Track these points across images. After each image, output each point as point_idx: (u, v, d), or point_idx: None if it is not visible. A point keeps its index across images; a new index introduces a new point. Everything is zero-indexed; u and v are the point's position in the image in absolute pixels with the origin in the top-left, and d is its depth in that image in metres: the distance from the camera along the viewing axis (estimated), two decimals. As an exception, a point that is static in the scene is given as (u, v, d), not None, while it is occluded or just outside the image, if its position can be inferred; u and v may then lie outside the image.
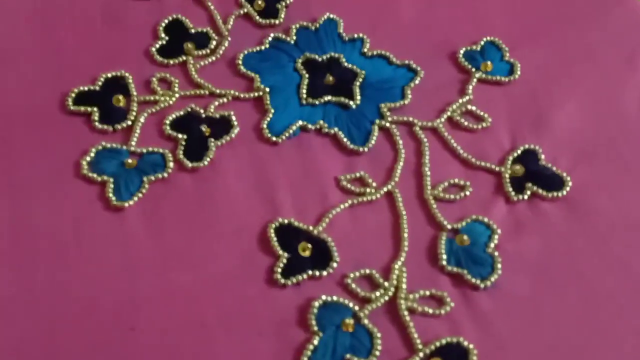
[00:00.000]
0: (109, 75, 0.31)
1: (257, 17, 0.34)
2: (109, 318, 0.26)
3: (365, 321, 0.26)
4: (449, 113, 0.32)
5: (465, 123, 0.32)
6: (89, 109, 0.30)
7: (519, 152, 0.31)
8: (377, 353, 0.25)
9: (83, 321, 0.26)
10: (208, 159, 0.29)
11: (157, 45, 0.33)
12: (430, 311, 0.26)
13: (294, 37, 0.34)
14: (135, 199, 0.28)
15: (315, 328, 0.26)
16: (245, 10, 0.34)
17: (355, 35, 0.34)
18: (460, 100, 0.32)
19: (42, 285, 0.26)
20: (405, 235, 0.28)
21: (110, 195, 0.28)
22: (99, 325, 0.25)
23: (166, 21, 0.33)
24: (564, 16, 0.35)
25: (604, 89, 0.33)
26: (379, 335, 0.26)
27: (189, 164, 0.29)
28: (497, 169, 0.30)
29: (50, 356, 0.25)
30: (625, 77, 0.33)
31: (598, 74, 0.33)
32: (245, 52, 0.33)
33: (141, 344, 0.25)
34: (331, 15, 0.34)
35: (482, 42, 0.34)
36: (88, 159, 0.29)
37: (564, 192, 0.29)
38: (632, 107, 0.32)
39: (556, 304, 0.27)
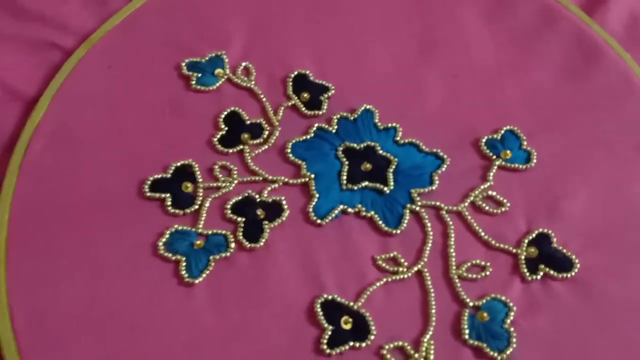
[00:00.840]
0: (179, 164, 0.37)
1: (303, 109, 0.40)
2: (183, 382, 0.31)
3: (399, 388, 0.31)
4: (471, 198, 0.37)
5: (486, 207, 0.36)
6: (163, 195, 0.36)
7: (534, 235, 0.36)
8: (409, 417, 0.30)
9: (161, 385, 0.31)
10: (263, 240, 0.35)
11: (218, 136, 0.38)
12: (455, 380, 0.31)
13: (335, 127, 0.39)
14: (204, 275, 0.34)
15: (356, 393, 0.31)
16: (293, 102, 0.40)
17: (389, 125, 0.39)
18: (482, 187, 0.37)
19: (122, 352, 0.32)
20: (433, 311, 0.33)
21: (183, 272, 0.34)
22: (175, 388, 0.31)
23: (225, 113, 0.39)
24: (579, 106, 0.40)
25: (614, 177, 0.38)
26: (410, 401, 0.31)
27: (247, 245, 0.35)
28: (514, 250, 0.35)
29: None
30: (635, 165, 0.38)
31: (609, 162, 0.38)
32: (293, 141, 0.39)
33: (210, 406, 0.31)
34: (368, 106, 0.40)
35: (502, 131, 0.39)
36: (164, 239, 0.35)
37: (573, 273, 0.34)
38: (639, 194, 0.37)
39: (564, 377, 0.31)
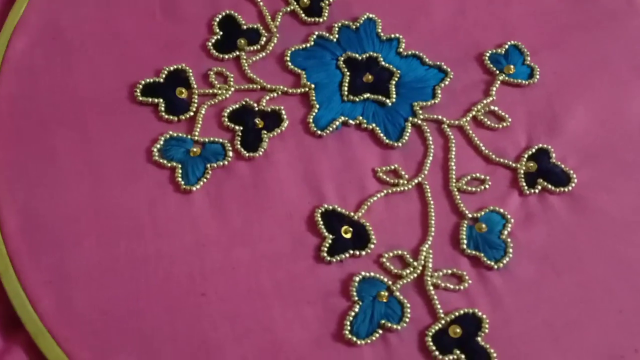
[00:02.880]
0: (172, 68, 0.37)
1: (303, 15, 0.39)
2: (183, 285, 0.32)
3: (397, 293, 0.33)
4: (473, 112, 0.38)
5: (488, 122, 0.38)
6: (156, 100, 0.36)
7: (533, 150, 0.37)
8: (407, 320, 0.32)
9: (161, 288, 0.32)
10: (262, 150, 0.36)
11: (213, 40, 0.38)
12: (451, 287, 0.33)
13: (337, 36, 0.39)
14: (201, 183, 0.35)
15: (356, 298, 0.33)
16: (292, 7, 0.40)
17: (392, 35, 0.40)
18: (484, 101, 0.38)
19: (124, 257, 0.33)
20: (432, 222, 0.35)
21: (180, 179, 0.34)
22: (175, 291, 0.32)
23: (220, 16, 0.39)
24: (581, 24, 0.41)
25: (612, 96, 0.39)
26: (408, 305, 0.33)
27: (246, 154, 0.35)
28: (514, 165, 0.37)
29: (132, 317, 0.32)
30: (633, 86, 0.39)
31: (608, 82, 0.39)
32: (293, 49, 0.39)
33: (211, 307, 0.32)
34: (370, 15, 0.40)
35: (507, 46, 0.40)
36: (158, 146, 0.35)
37: (570, 188, 0.36)
38: (637, 114, 0.38)
39: (555, 286, 0.34)
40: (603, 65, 0.40)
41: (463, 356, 0.32)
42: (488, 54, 0.40)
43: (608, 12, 0.42)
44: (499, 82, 0.39)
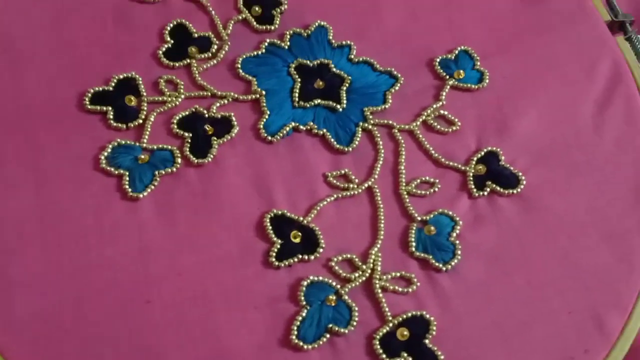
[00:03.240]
0: (121, 76, 0.37)
1: (255, 23, 0.40)
2: (128, 292, 0.32)
3: (346, 297, 0.33)
4: (424, 117, 0.38)
5: (438, 126, 0.38)
6: (104, 108, 0.36)
7: (483, 153, 0.38)
8: (355, 323, 0.32)
9: (105, 295, 0.32)
10: (211, 156, 0.36)
11: (164, 49, 0.38)
12: (400, 289, 0.34)
13: (288, 43, 0.40)
14: (149, 190, 0.35)
15: (304, 302, 0.33)
16: (244, 15, 0.40)
17: (343, 42, 0.40)
18: (434, 106, 0.39)
19: (68, 264, 0.33)
20: (382, 225, 0.35)
21: (127, 187, 0.35)
22: (120, 298, 0.32)
23: (171, 25, 0.39)
24: (533, 28, 0.42)
25: (562, 99, 0.40)
26: (356, 309, 0.33)
27: (195, 160, 0.36)
28: (463, 168, 0.37)
29: (76, 324, 0.32)
30: (583, 88, 0.40)
31: (559, 85, 0.40)
32: (244, 56, 0.39)
33: (156, 314, 0.32)
34: (322, 23, 0.40)
35: (457, 51, 0.41)
36: (105, 154, 0.35)
37: (519, 190, 0.37)
38: (586, 116, 0.39)
39: (505, 287, 0.34)
40: (553, 67, 0.41)
41: (410, 359, 0.32)
42: (438, 60, 0.40)
43: (559, 15, 0.43)
44: (448, 86, 0.39)
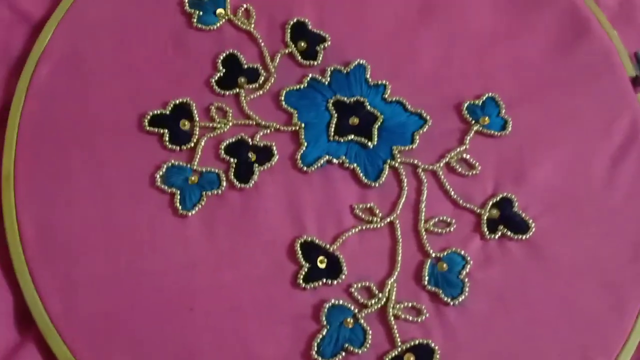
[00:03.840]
0: (177, 101, 0.42)
1: (300, 58, 0.44)
2: (174, 299, 0.38)
3: (362, 321, 0.38)
4: (447, 159, 0.42)
5: (459, 169, 0.42)
6: (161, 130, 0.41)
7: (498, 198, 0.41)
8: (368, 345, 0.37)
9: (154, 300, 0.38)
10: (253, 182, 0.40)
11: (216, 77, 0.43)
12: (410, 318, 0.38)
13: (328, 79, 0.44)
14: (196, 209, 0.39)
15: (325, 322, 0.38)
16: (290, 50, 0.44)
17: (379, 81, 0.44)
18: (458, 149, 0.42)
19: (124, 271, 0.38)
20: (399, 258, 0.40)
21: (177, 204, 0.39)
22: (166, 304, 0.38)
23: (224, 55, 0.43)
24: (559, 80, 0.45)
25: (579, 151, 0.43)
26: (370, 332, 0.38)
27: (238, 185, 0.40)
28: (478, 211, 0.41)
29: (128, 322, 0.37)
30: (599, 142, 0.43)
31: (577, 137, 0.43)
32: (287, 89, 0.43)
33: (197, 321, 0.37)
34: (361, 61, 0.44)
35: (484, 97, 0.44)
36: (160, 173, 0.40)
37: (528, 236, 0.40)
38: (599, 170, 0.42)
39: (504, 323, 0.38)
40: (573, 120, 0.44)
41: (414, 381, 0.37)
42: (466, 105, 0.44)
43: (585, 68, 0.45)
44: (473, 131, 0.43)
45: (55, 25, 0.43)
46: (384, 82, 0.44)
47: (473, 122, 0.43)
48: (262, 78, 0.43)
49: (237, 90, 0.43)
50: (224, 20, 0.44)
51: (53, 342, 0.37)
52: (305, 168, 0.41)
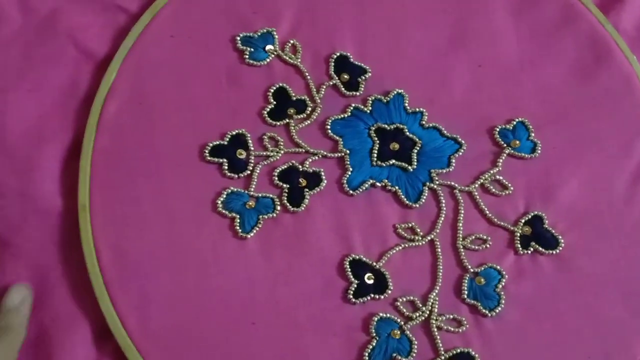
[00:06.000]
0: (234, 132, 0.45)
1: (343, 89, 0.47)
2: (237, 314, 0.41)
3: (408, 332, 0.41)
4: (481, 180, 0.45)
5: (493, 189, 0.45)
6: (220, 160, 0.44)
7: (530, 216, 0.45)
8: (414, 355, 0.41)
9: (219, 316, 0.41)
10: (304, 206, 0.44)
11: (268, 109, 0.46)
12: (452, 329, 0.42)
13: (370, 108, 0.47)
14: (254, 231, 0.43)
15: (374, 334, 0.41)
16: (334, 82, 0.47)
17: (417, 109, 0.47)
18: (492, 171, 0.45)
19: (191, 289, 0.42)
20: (440, 273, 0.43)
21: (237, 228, 0.43)
22: (230, 319, 0.41)
23: (274, 88, 0.47)
24: (582, 103, 0.48)
25: (601, 170, 0.46)
26: (415, 342, 0.41)
27: (291, 208, 0.44)
28: (512, 228, 0.44)
29: (197, 337, 0.41)
30: (620, 161, 0.46)
31: (599, 157, 0.46)
32: (333, 118, 0.46)
33: (259, 334, 0.41)
34: (400, 91, 0.47)
35: (515, 122, 0.47)
36: (221, 199, 0.43)
37: (557, 251, 0.44)
38: (620, 188, 0.45)
39: (536, 332, 0.42)
40: (596, 141, 0.47)
41: (456, 386, 0.40)
42: (498, 129, 0.47)
43: (606, 91, 0.48)
44: (505, 154, 0.46)
45: (119, 64, 0.46)
46: (420, 109, 0.47)
47: (505, 145, 0.46)
48: (309, 108, 0.47)
49: (287, 120, 0.46)
50: (273, 55, 0.48)
51: (131, 355, 0.40)
52: (351, 192, 0.45)
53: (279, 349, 0.41)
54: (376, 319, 0.41)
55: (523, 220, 0.44)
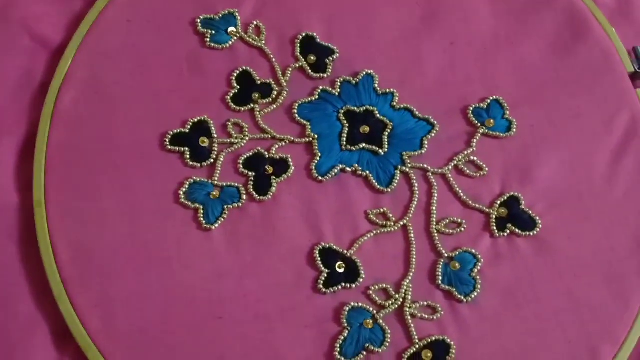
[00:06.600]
0: (196, 119, 0.43)
1: (310, 71, 0.45)
2: (203, 309, 0.40)
3: (381, 321, 0.40)
4: (455, 162, 0.44)
5: (467, 171, 0.43)
6: (182, 148, 0.42)
7: (505, 197, 0.43)
8: (387, 344, 0.39)
9: (185, 311, 0.40)
10: (271, 194, 0.42)
11: (231, 94, 0.44)
12: (426, 317, 0.40)
13: (338, 90, 0.45)
14: (219, 222, 0.41)
15: (345, 324, 0.39)
16: (300, 64, 0.45)
17: (387, 90, 0.45)
18: (466, 152, 0.44)
19: (156, 284, 0.40)
20: (414, 260, 0.41)
21: (201, 219, 0.41)
22: (196, 314, 0.40)
23: (237, 72, 0.45)
24: (560, 79, 0.46)
25: (581, 149, 0.44)
26: (389, 331, 0.39)
27: (258, 197, 0.42)
28: (487, 210, 0.43)
29: (163, 334, 0.39)
30: (600, 139, 0.45)
31: (579, 135, 0.45)
32: (300, 102, 0.44)
33: (226, 329, 0.39)
34: (369, 71, 0.45)
35: (489, 101, 0.45)
36: (184, 190, 0.42)
37: (535, 232, 0.42)
38: (601, 166, 0.44)
39: (515, 317, 0.40)
40: (575, 118, 0.45)
41: (432, 376, 0.39)
42: (472, 108, 0.45)
43: (585, 67, 0.47)
44: (479, 134, 0.44)
45: (74, 51, 0.44)
46: (391, 90, 0.45)
47: (479, 125, 0.45)
48: (275, 92, 0.45)
49: (252, 105, 0.44)
50: (235, 38, 0.46)
51: (93, 357, 0.38)
52: (320, 178, 0.43)
53: (248, 344, 0.39)
54: (347, 308, 0.40)
55: (499, 202, 0.43)
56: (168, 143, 0.43)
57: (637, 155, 0.44)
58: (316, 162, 0.43)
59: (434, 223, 0.42)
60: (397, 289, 0.41)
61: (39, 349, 0.39)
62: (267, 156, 0.43)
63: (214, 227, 0.41)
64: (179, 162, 0.43)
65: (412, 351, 0.39)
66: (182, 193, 0.42)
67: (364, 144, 0.44)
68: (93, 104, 0.43)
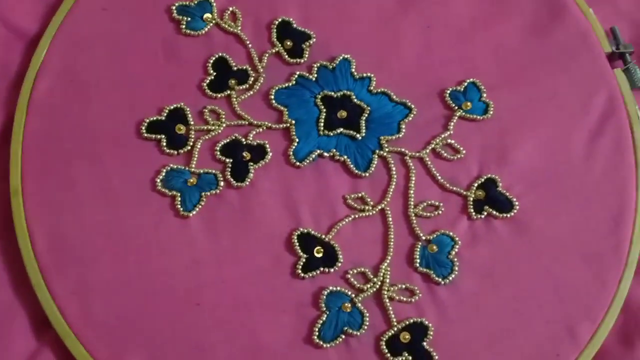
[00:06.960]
0: (172, 107, 0.43)
1: (286, 56, 0.45)
2: (182, 296, 0.40)
3: (359, 305, 0.40)
4: (433, 145, 0.44)
5: (445, 154, 0.43)
6: (158, 136, 0.42)
7: (483, 180, 0.43)
8: (366, 327, 0.39)
9: (163, 298, 0.40)
10: (249, 180, 0.42)
11: (207, 81, 0.44)
12: (404, 299, 0.40)
13: (315, 75, 0.45)
14: (197, 209, 0.41)
15: (324, 308, 0.40)
16: (277, 49, 0.45)
17: (364, 74, 0.45)
18: (443, 135, 0.44)
19: (133, 271, 0.40)
20: (392, 243, 0.41)
21: (179, 206, 0.41)
22: (175, 301, 0.40)
23: (213, 59, 0.44)
24: (537, 61, 0.46)
25: (559, 129, 0.44)
26: (367, 315, 0.40)
27: (235, 183, 0.42)
28: (465, 193, 0.43)
29: (141, 321, 0.39)
30: (578, 119, 0.45)
31: (557, 115, 0.45)
32: (277, 88, 0.44)
33: (205, 315, 0.39)
34: (346, 56, 0.45)
35: (466, 83, 0.45)
36: (160, 177, 0.42)
37: (512, 214, 0.42)
38: (579, 146, 0.44)
39: (493, 299, 0.40)
40: (553, 99, 0.45)
41: (410, 357, 0.39)
42: (449, 91, 0.45)
43: (563, 48, 0.46)
44: (456, 117, 0.44)
45: (49, 41, 0.44)
46: (369, 74, 0.45)
47: (456, 107, 0.45)
48: (252, 78, 0.45)
49: (229, 92, 0.44)
50: (211, 24, 0.45)
51: (71, 344, 0.38)
52: (298, 163, 0.43)
53: (227, 330, 0.39)
54: (326, 292, 0.40)
55: (476, 184, 0.43)
56: (144, 130, 0.43)
57: (615, 134, 0.44)
58: (294, 147, 0.43)
59: (412, 206, 0.42)
60: (376, 272, 0.41)
61: (17, 336, 0.39)
62: (244, 142, 0.43)
63: (191, 214, 0.41)
64: (155, 150, 0.43)
65: (390, 333, 0.39)
66: (158, 180, 0.42)
67: (341, 129, 0.44)
68: (69, 93, 0.43)
